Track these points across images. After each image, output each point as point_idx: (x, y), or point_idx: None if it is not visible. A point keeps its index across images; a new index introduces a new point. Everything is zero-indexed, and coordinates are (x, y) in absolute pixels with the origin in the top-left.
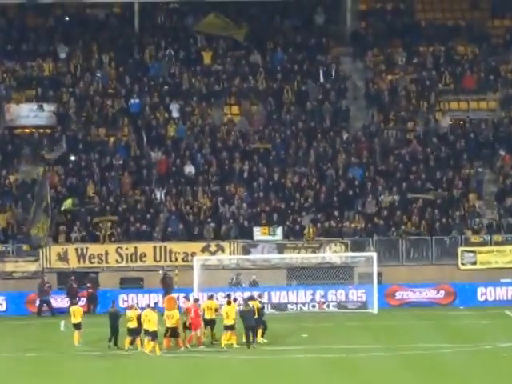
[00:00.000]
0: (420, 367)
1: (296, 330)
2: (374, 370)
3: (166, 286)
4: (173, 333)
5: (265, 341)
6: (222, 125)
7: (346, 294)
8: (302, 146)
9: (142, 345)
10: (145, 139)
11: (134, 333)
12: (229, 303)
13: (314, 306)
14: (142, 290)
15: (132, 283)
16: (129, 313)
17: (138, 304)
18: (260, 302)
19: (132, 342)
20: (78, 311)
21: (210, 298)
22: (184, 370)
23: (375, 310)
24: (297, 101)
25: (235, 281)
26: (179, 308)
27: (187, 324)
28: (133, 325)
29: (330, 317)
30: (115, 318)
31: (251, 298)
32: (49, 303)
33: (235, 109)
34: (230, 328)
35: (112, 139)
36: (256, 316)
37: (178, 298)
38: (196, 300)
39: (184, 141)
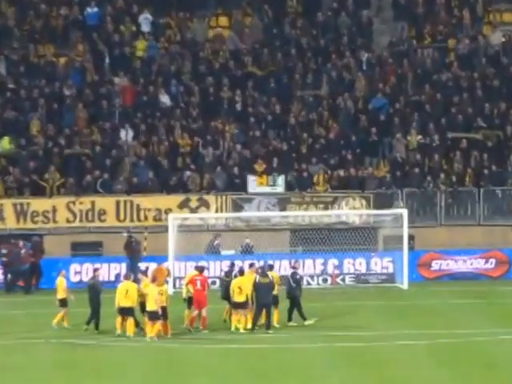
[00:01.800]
0: (461, 360)
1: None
2: (401, 363)
3: (132, 254)
4: (163, 314)
5: (294, 324)
6: (207, 42)
7: (368, 263)
8: (310, 70)
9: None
10: (106, 60)
11: (127, 313)
12: (241, 273)
13: (325, 280)
14: (100, 258)
15: (87, 249)
16: (123, 285)
17: None
18: (295, 272)
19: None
20: (61, 283)
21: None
22: (154, 363)
23: (405, 285)
24: (304, 10)
25: (212, 245)
26: (137, 281)
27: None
28: (127, 302)
29: (346, 294)
30: (95, 293)
31: (270, 268)
32: (26, 276)
33: (223, 20)
34: (242, 306)
35: (62, 60)
36: (276, 292)
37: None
38: (201, 269)
39: (156, 62)
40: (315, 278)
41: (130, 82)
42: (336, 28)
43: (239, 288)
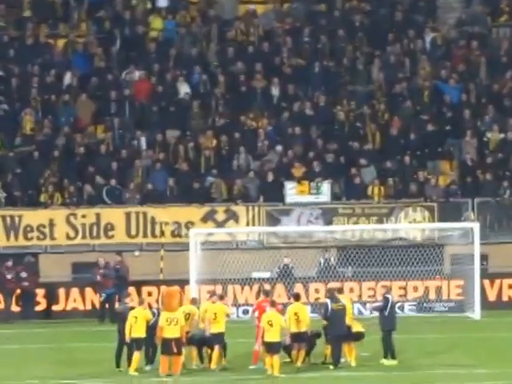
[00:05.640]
0: None
1: None
2: None
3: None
4: (177, 348)
5: (393, 363)
6: (236, 20)
7: (432, 288)
8: (362, 54)
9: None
10: (117, 42)
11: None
12: (297, 298)
13: None
14: None
15: (91, 271)
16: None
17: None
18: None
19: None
20: (142, 315)
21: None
22: None
23: (477, 315)
24: None
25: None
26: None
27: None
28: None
29: (404, 325)
30: (123, 321)
31: (340, 291)
32: (112, 300)
33: None
34: (301, 338)
35: (61, 42)
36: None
37: None
38: (267, 293)
39: (175, 45)
40: (367, 304)
41: (143, 68)
42: (393, 2)
43: (296, 315)
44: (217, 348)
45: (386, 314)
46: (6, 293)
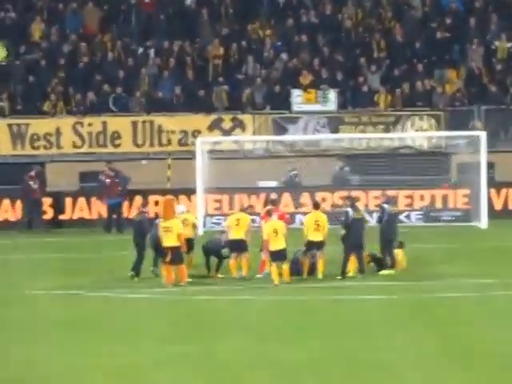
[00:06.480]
0: None
1: None
2: (478, 316)
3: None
4: (174, 256)
5: (391, 272)
6: None
7: (438, 197)
8: None
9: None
10: None
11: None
12: (316, 207)
13: None
14: None
15: (98, 180)
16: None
17: None
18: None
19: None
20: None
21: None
22: (182, 318)
23: (483, 224)
24: None
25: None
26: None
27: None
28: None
29: (411, 234)
30: (142, 232)
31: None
32: (119, 210)
33: None
34: (319, 246)
35: None
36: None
37: None
38: (274, 202)
39: None
40: (374, 214)
41: None
42: None
43: (317, 223)
44: (236, 255)
45: (383, 223)
46: (29, 202)
